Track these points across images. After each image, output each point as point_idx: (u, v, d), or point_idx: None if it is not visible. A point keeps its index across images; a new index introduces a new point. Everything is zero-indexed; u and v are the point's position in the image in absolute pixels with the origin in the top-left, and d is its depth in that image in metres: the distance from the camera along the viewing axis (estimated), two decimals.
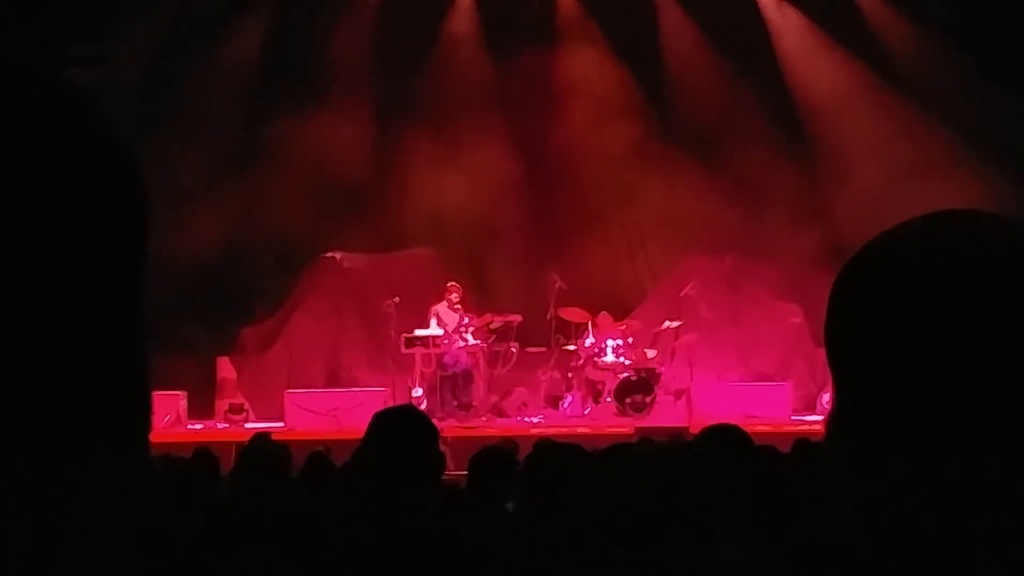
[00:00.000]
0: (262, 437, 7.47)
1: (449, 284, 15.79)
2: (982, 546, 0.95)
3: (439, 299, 15.79)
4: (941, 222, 1.06)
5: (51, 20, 15.86)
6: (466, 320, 15.63)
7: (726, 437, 4.30)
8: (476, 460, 5.15)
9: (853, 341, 1.04)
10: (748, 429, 4.54)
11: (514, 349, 16.04)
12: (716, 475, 2.84)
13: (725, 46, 17.69)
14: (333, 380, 16.78)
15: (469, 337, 15.64)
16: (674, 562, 2.68)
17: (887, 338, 1.00)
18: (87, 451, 0.88)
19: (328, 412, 15.09)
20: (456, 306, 15.67)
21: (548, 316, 15.97)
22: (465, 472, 5.42)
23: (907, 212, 1.10)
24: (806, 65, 17.81)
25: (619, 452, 5.31)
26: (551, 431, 13.26)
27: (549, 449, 4.42)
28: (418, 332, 15.63)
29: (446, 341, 15.53)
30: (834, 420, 1.05)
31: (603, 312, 15.83)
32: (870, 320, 1.02)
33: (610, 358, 15.55)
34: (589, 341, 15.67)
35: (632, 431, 12.70)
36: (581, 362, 15.68)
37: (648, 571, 2.71)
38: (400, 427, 3.26)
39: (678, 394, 15.82)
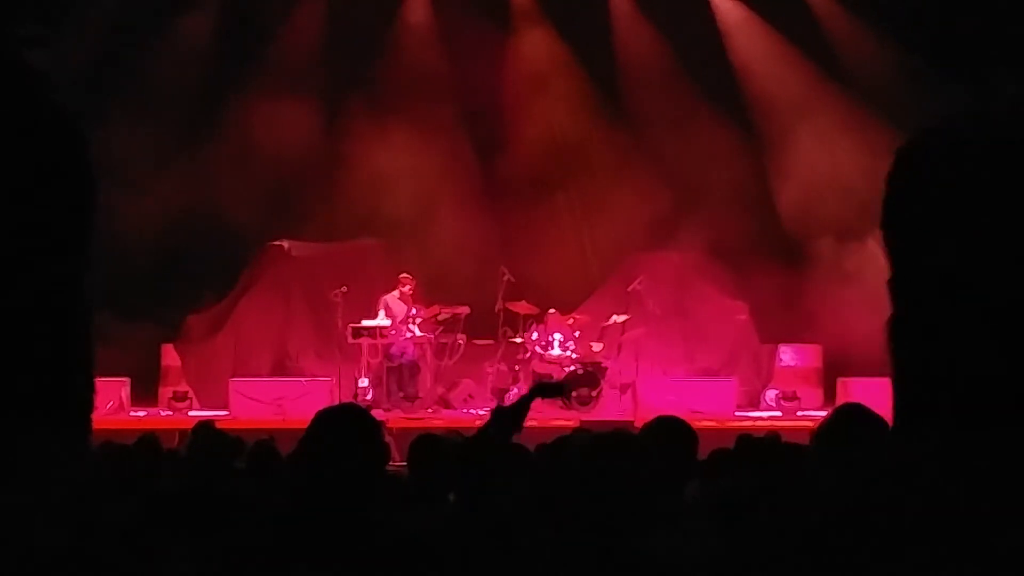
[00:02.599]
0: (205, 425, 7.42)
1: (402, 276, 15.73)
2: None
3: (387, 290, 15.74)
4: (997, 108, 1.07)
5: None
6: (414, 311, 15.60)
7: (670, 429, 4.34)
8: (414, 446, 5.16)
9: (912, 223, 1.05)
10: (692, 424, 4.58)
11: (461, 341, 16.02)
12: (657, 464, 2.86)
13: (676, 38, 17.77)
14: (279, 369, 16.68)
15: (416, 328, 15.61)
16: (614, 549, 2.70)
17: (946, 223, 1.01)
18: (27, 437, 0.87)
19: (273, 401, 15.01)
20: (407, 297, 15.64)
21: (496, 309, 15.97)
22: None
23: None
24: (756, 60, 17.92)
25: (558, 443, 5.35)
26: None
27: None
28: (365, 322, 15.57)
29: (393, 332, 15.49)
30: (894, 323, 1.05)
31: (551, 309, 15.84)
32: (929, 204, 1.03)
33: (557, 352, 15.60)
34: (535, 335, 15.71)
35: (577, 424, 12.73)
36: (528, 355, 15.70)
37: (589, 559, 2.72)
38: (341, 426, 3.26)
39: (624, 388, 15.88)
